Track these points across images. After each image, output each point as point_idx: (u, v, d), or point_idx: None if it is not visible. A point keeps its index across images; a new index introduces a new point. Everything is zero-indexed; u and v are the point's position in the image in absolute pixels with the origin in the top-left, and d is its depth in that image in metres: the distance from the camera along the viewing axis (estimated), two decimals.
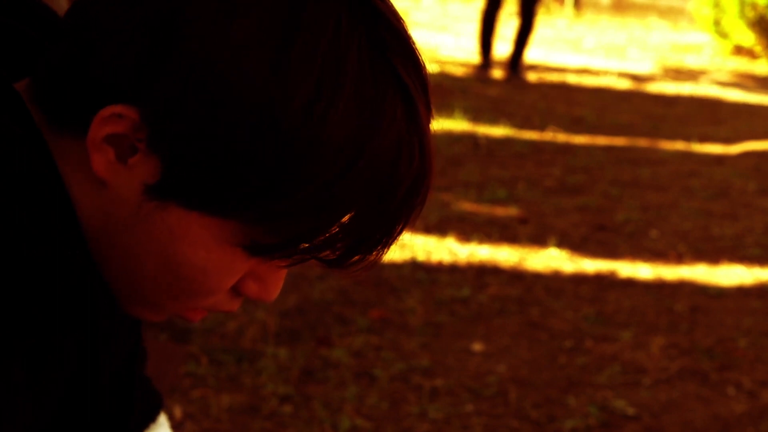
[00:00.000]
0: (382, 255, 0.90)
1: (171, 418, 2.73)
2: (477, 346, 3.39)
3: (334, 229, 0.86)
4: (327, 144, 0.83)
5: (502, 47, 9.57)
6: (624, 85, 9.40)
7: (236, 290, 0.92)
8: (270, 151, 0.82)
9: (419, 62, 0.88)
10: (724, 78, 10.45)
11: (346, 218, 0.86)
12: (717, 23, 12.19)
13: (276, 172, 0.83)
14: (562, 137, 6.75)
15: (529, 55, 9.41)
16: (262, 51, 0.82)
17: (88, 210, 0.87)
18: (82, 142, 0.86)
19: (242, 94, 0.82)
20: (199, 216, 0.85)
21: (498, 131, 6.72)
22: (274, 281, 0.93)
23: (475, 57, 9.29)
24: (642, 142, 6.80)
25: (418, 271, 3.99)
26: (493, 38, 8.67)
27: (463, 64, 9.33)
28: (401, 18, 0.88)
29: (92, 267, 0.88)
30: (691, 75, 10.50)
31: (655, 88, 9.43)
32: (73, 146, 0.86)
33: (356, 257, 0.89)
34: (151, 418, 1.15)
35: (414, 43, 0.88)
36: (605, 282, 4.08)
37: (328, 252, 0.88)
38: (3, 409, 0.83)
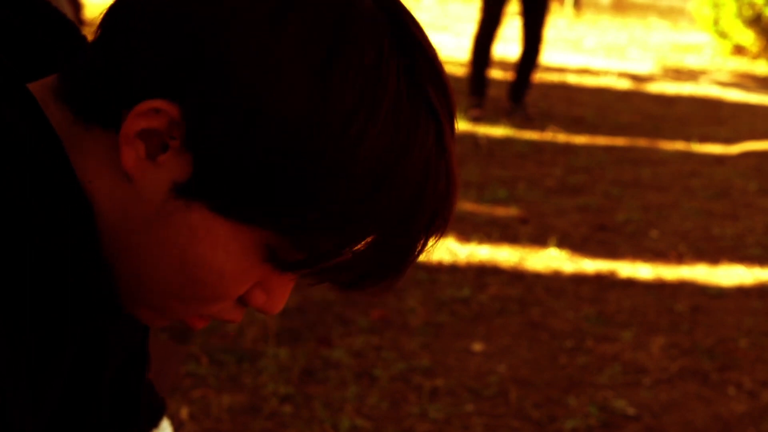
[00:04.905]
0: (396, 279, 0.91)
1: (173, 420, 2.73)
2: (477, 346, 3.39)
3: (356, 249, 0.87)
4: (361, 161, 0.84)
5: (503, 48, 9.57)
6: (624, 85, 9.40)
7: (242, 300, 0.93)
8: (305, 162, 0.83)
9: (449, 90, 0.90)
10: (725, 78, 10.44)
11: (369, 239, 0.87)
12: (717, 23, 12.18)
13: (308, 184, 0.84)
14: (562, 137, 6.75)
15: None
16: (306, 64, 0.83)
17: (107, 205, 0.87)
18: (111, 136, 0.86)
19: (284, 103, 0.83)
20: (224, 220, 0.85)
21: (498, 131, 6.72)
22: (281, 294, 0.93)
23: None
24: (642, 142, 6.80)
25: (418, 271, 3.99)
26: (487, 73, 7.21)
27: (463, 64, 9.31)
28: (434, 47, 0.91)
29: (101, 265, 0.88)
30: (691, 75, 10.50)
31: (655, 88, 9.43)
32: (101, 140, 0.87)
33: (371, 280, 0.90)
34: (154, 424, 1.15)
35: (445, 72, 0.90)
36: (606, 282, 4.08)
37: (345, 273, 0.89)
38: (3, 408, 0.83)
